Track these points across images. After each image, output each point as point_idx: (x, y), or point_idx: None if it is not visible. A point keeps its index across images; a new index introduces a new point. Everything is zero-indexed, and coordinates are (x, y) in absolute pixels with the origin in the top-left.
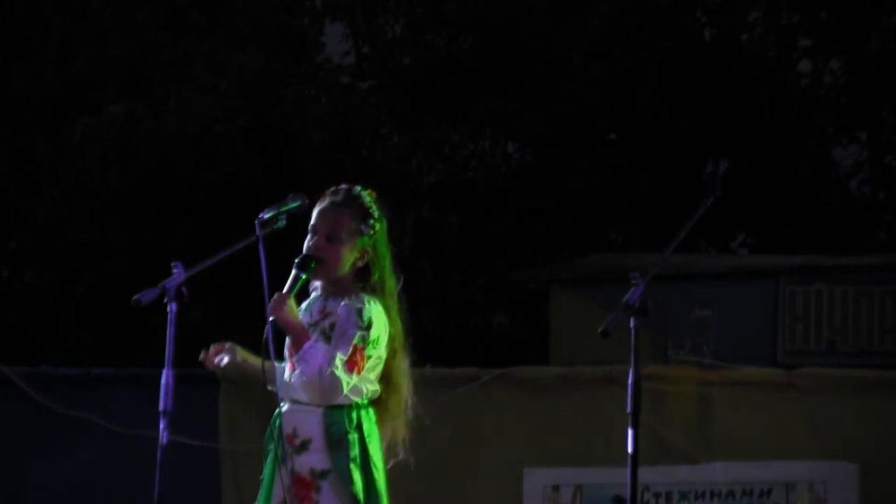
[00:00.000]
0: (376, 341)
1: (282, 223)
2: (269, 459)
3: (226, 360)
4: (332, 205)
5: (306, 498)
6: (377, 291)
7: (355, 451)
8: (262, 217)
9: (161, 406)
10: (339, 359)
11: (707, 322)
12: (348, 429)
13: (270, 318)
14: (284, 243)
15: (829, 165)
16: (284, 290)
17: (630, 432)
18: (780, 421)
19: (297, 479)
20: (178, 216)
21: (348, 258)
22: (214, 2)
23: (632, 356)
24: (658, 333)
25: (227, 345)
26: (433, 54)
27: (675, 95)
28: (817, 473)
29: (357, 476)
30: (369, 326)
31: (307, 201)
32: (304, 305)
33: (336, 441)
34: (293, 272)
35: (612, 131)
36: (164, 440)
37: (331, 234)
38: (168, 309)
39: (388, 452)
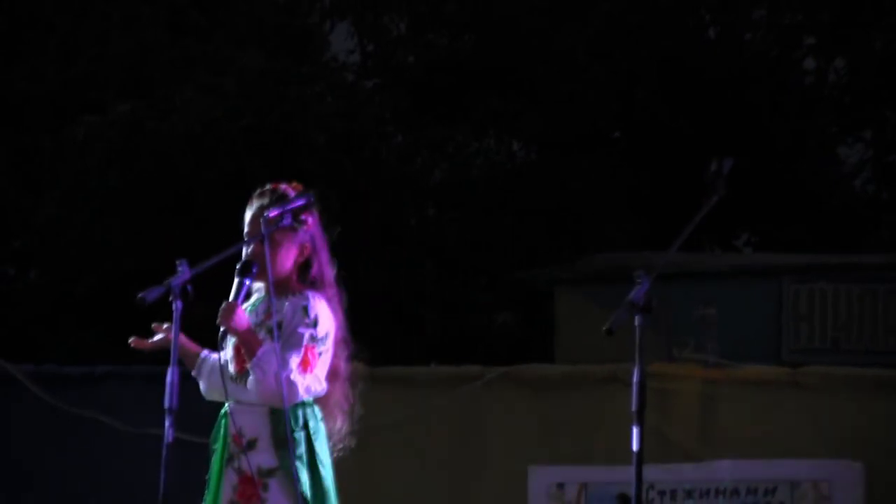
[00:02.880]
0: (325, 338)
1: (287, 220)
2: (215, 459)
3: (158, 336)
4: (261, 208)
5: (254, 496)
6: (318, 284)
7: (301, 450)
8: (269, 215)
9: (166, 404)
10: (294, 361)
11: (711, 320)
12: (294, 427)
13: (221, 329)
14: None
15: (832, 164)
16: (230, 297)
17: (635, 430)
18: (784, 419)
19: (245, 478)
20: (179, 216)
21: (286, 256)
22: (215, 2)
23: (637, 354)
24: (662, 332)
25: (165, 325)
26: (435, 53)
27: (676, 95)
28: (822, 472)
29: (304, 474)
30: (316, 323)
31: (312, 199)
32: (247, 305)
33: (282, 440)
34: (236, 280)
35: (613, 130)
36: (170, 438)
37: (264, 237)
38: (173, 307)
39: (332, 446)
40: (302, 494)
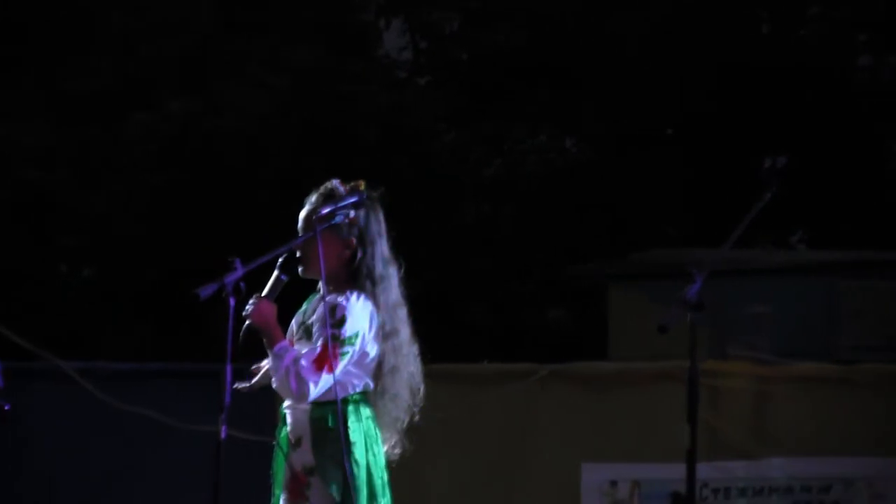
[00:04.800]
0: (354, 337)
1: (339, 219)
2: (278, 453)
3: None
4: (312, 205)
5: (300, 495)
6: (362, 280)
7: (335, 448)
8: (321, 213)
9: (221, 401)
10: (307, 359)
11: (764, 317)
12: (331, 425)
13: (247, 322)
14: None
15: (887, 160)
16: (263, 292)
17: (688, 428)
18: (838, 417)
19: (293, 474)
20: (233, 212)
21: (330, 253)
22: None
23: (690, 352)
24: (715, 329)
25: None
26: (488, 50)
27: (729, 91)
28: (876, 470)
29: (336, 473)
30: (342, 323)
31: (364, 197)
32: (305, 305)
33: (319, 438)
34: (275, 273)
35: (667, 127)
36: (223, 435)
37: (313, 234)
38: (227, 304)
39: (387, 442)
40: (330, 495)
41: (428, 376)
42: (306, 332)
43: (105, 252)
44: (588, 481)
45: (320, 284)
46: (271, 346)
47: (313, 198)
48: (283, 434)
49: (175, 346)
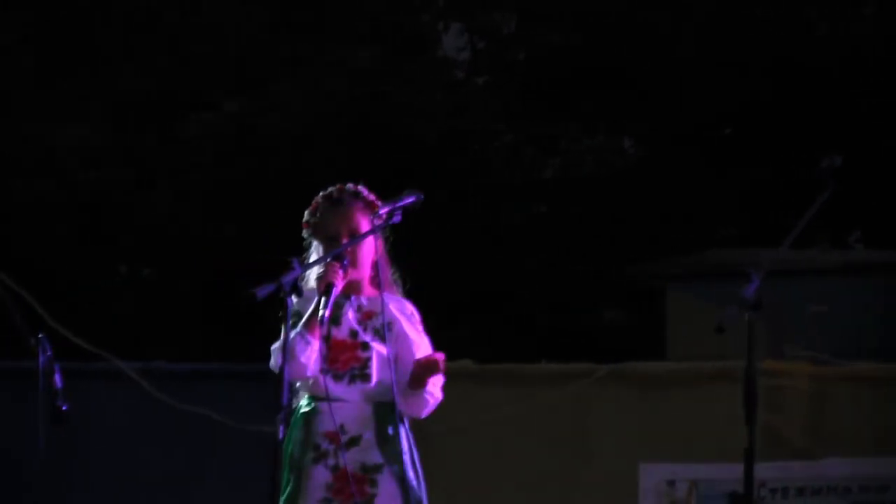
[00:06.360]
0: None
1: (397, 219)
2: (296, 458)
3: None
4: (338, 203)
5: (358, 492)
6: (394, 284)
7: (405, 445)
8: (380, 213)
9: (279, 401)
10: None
11: (821, 317)
12: (397, 424)
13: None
14: None
15: None
16: (326, 313)
17: (746, 428)
18: (895, 417)
19: (342, 474)
20: (290, 212)
21: (368, 254)
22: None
23: (747, 352)
24: (773, 329)
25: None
26: (545, 50)
27: (787, 90)
28: None
29: (409, 471)
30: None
31: (422, 197)
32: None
33: (388, 436)
34: (320, 299)
35: (724, 127)
36: (281, 435)
37: (353, 233)
38: (285, 304)
39: None
40: (406, 490)
41: (486, 376)
42: (377, 334)
43: (164, 252)
44: (646, 481)
45: (360, 284)
46: (429, 383)
47: (342, 196)
48: (305, 435)
49: (234, 347)
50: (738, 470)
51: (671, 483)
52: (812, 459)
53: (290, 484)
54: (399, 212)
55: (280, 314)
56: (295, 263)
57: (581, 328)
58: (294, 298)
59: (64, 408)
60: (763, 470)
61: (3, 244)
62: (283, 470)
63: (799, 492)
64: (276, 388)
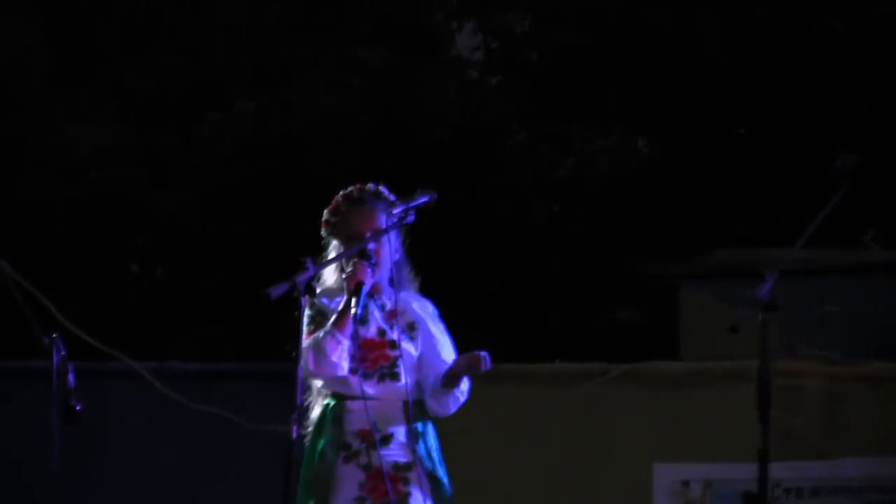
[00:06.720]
0: None
1: (411, 218)
2: (324, 455)
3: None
4: (360, 203)
5: (393, 491)
6: (411, 283)
7: (435, 443)
8: (393, 213)
9: (293, 401)
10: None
11: (835, 317)
12: (426, 422)
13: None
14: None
15: None
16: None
17: (760, 428)
18: None
19: (375, 472)
20: (305, 211)
21: (389, 254)
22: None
23: (762, 351)
24: (787, 328)
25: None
26: (559, 50)
27: (801, 89)
28: None
29: (439, 468)
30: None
31: (436, 197)
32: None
33: (418, 434)
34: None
35: (738, 126)
36: (295, 434)
37: (374, 233)
38: (299, 303)
39: None
40: (438, 488)
41: (499, 376)
42: (410, 328)
43: (177, 252)
44: (660, 481)
45: (382, 282)
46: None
47: (363, 195)
48: (337, 433)
49: (247, 346)
50: (752, 470)
51: (685, 483)
52: (827, 459)
53: (316, 484)
54: (413, 211)
55: (295, 314)
56: (308, 263)
57: (594, 328)
58: (306, 298)
59: (78, 407)
60: (777, 470)
61: (17, 243)
62: (305, 469)
63: (814, 492)
64: (295, 388)
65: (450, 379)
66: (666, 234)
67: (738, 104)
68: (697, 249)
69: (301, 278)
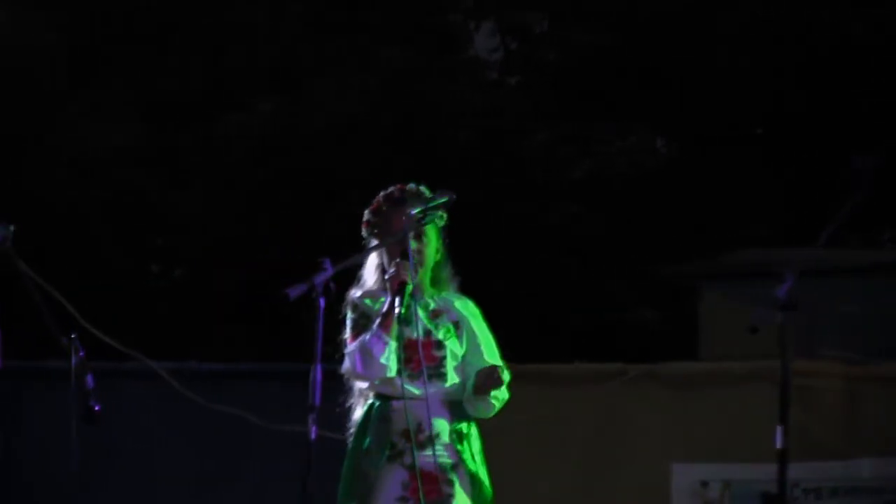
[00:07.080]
0: None
1: (430, 218)
2: (372, 454)
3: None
4: (401, 203)
5: (434, 491)
6: (451, 282)
7: (478, 444)
8: (412, 213)
9: (310, 401)
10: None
11: (854, 317)
12: (470, 422)
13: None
14: None
15: None
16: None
17: (779, 428)
18: None
19: (419, 472)
20: (324, 212)
21: (433, 253)
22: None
23: (781, 352)
24: (805, 329)
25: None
26: (577, 50)
27: (820, 89)
28: None
29: (482, 470)
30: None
31: (454, 197)
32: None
33: (463, 434)
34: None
35: (757, 126)
36: (313, 435)
37: (417, 233)
38: (317, 304)
39: None
40: (482, 490)
41: (518, 377)
42: (449, 332)
43: (196, 252)
44: (679, 482)
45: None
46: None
47: (403, 196)
48: (382, 433)
49: (265, 346)
50: (771, 470)
51: (704, 483)
52: (845, 459)
53: (359, 483)
54: (432, 211)
55: (315, 314)
56: (326, 264)
57: (613, 328)
58: (323, 300)
59: (96, 407)
60: (796, 470)
61: (35, 244)
62: (347, 469)
63: (832, 492)
64: (349, 390)
65: (477, 390)
66: (685, 234)
67: (758, 104)
68: (716, 250)
69: (319, 279)
